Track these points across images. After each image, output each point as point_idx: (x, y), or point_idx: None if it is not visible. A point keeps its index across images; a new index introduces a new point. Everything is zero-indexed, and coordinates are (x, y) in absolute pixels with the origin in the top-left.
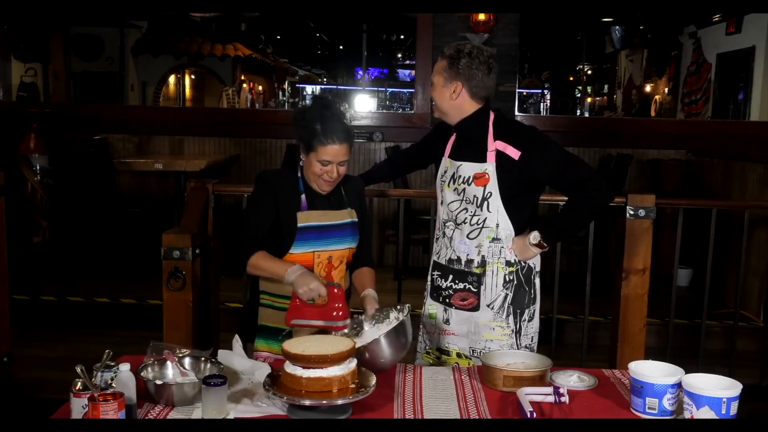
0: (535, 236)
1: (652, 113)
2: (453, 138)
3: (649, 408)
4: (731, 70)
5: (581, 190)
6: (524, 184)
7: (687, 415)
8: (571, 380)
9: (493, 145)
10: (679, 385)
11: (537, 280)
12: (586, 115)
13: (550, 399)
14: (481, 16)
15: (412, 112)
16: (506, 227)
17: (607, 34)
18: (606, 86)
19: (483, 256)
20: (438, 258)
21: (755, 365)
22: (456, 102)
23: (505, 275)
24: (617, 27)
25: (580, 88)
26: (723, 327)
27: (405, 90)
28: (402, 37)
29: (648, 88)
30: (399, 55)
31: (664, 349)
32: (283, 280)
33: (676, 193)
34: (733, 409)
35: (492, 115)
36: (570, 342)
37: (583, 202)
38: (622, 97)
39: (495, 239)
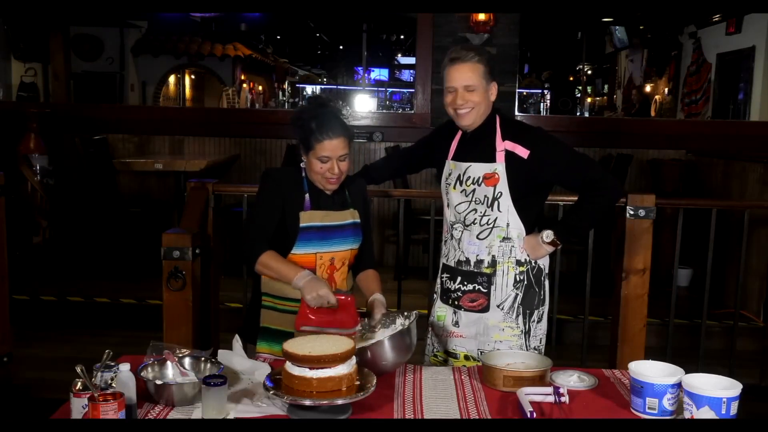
0: (548, 234)
1: (652, 113)
2: (457, 139)
3: (649, 408)
4: (731, 70)
5: (592, 189)
6: (533, 183)
7: (687, 415)
8: (571, 380)
9: (502, 145)
10: (679, 385)
11: (547, 282)
12: (586, 115)
13: (550, 399)
14: (481, 16)
15: (412, 112)
16: (516, 226)
17: (607, 34)
18: (606, 86)
19: (493, 256)
20: (446, 260)
21: (755, 365)
22: (490, 103)
23: (515, 275)
24: (617, 27)
25: (580, 88)
26: (723, 327)
27: (405, 90)
28: (402, 37)
29: (648, 88)
30: (399, 55)
31: (664, 349)
32: (291, 284)
33: (676, 193)
34: (733, 409)
35: (498, 116)
36: (570, 342)
37: (594, 199)
38: (622, 97)
39: (506, 239)
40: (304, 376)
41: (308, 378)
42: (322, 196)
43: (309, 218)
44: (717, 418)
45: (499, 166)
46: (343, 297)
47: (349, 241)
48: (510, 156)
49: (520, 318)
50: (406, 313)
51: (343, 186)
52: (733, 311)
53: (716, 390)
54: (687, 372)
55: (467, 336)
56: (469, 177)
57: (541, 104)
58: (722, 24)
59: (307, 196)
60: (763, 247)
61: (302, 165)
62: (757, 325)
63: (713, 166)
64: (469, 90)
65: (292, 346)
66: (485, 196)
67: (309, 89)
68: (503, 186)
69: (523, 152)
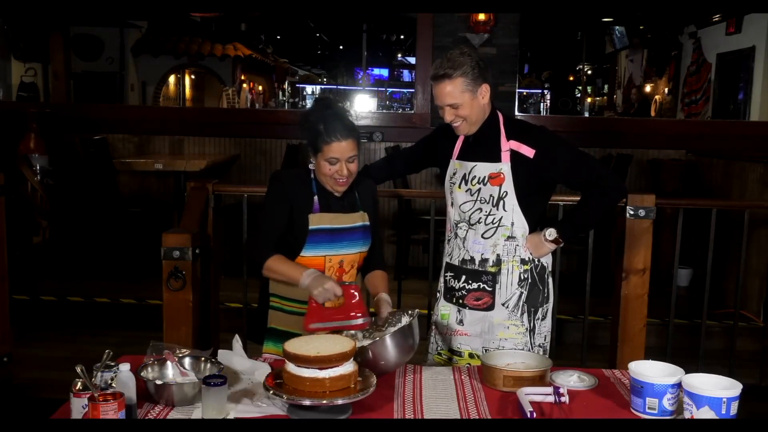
0: (551, 232)
1: (652, 113)
2: (461, 139)
3: (649, 408)
4: (731, 70)
5: (595, 187)
6: (538, 182)
7: (687, 415)
8: (571, 380)
9: (507, 145)
10: (679, 385)
11: (550, 280)
12: (586, 115)
13: (550, 399)
14: (481, 16)
15: (412, 112)
16: (521, 225)
17: (607, 34)
18: (606, 86)
19: (498, 255)
20: (450, 259)
21: (755, 365)
22: (485, 105)
23: (520, 273)
24: (617, 27)
25: (580, 88)
26: (723, 327)
27: (405, 90)
28: (402, 37)
29: (648, 88)
30: (399, 55)
31: (664, 349)
32: (298, 284)
33: (676, 193)
34: (733, 409)
35: (501, 116)
36: (570, 342)
37: (598, 198)
38: (622, 97)
39: (510, 237)
40: (316, 377)
41: (321, 378)
42: (332, 198)
43: (318, 221)
44: (717, 418)
45: (505, 166)
46: (349, 288)
47: (359, 244)
48: (515, 156)
49: (525, 316)
50: (410, 311)
51: (352, 187)
52: (733, 311)
53: (716, 390)
54: (687, 372)
55: (472, 334)
56: (475, 176)
57: (541, 104)
58: (722, 24)
59: (315, 198)
60: (763, 247)
61: (311, 167)
62: (757, 325)
63: (713, 166)
64: (453, 107)
65: (296, 348)
66: (490, 195)
67: (309, 89)
68: (509, 185)
69: (529, 152)
